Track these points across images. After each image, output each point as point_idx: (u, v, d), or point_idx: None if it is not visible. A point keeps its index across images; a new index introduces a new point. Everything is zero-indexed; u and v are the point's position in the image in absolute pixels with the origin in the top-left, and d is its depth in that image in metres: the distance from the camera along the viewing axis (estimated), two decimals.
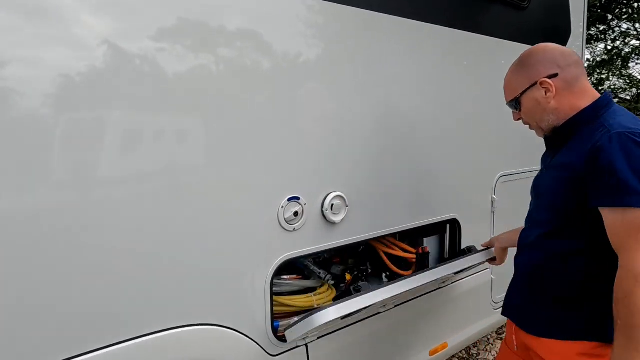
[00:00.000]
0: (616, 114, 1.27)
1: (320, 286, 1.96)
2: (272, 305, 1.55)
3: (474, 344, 3.12)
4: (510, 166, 2.54)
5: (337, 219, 1.67)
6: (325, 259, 2.43)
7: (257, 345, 1.51)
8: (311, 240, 1.63)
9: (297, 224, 1.58)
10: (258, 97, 1.45)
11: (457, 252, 2.28)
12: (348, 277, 2.15)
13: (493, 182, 2.44)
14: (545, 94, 1.33)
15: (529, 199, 2.73)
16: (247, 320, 1.48)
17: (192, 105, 1.32)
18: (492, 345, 3.14)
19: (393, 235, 2.33)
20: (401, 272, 2.18)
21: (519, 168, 2.60)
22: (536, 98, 1.35)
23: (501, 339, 3.22)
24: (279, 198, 1.52)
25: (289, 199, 1.54)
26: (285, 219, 1.54)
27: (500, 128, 2.47)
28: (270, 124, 1.49)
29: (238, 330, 1.46)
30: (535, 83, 1.34)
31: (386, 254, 2.19)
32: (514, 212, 2.61)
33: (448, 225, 2.33)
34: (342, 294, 2.02)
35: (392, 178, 1.90)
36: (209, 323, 1.40)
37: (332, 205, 1.65)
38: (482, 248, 2.02)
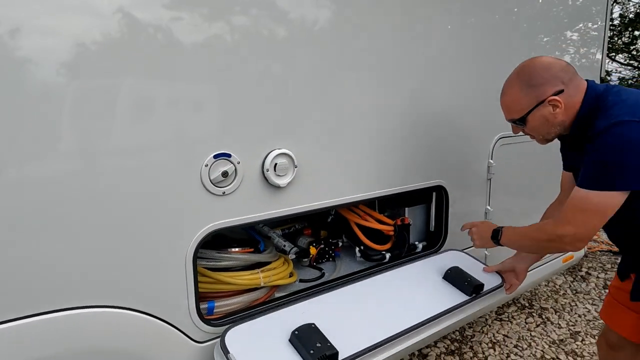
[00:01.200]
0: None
1: (276, 260, 1.69)
2: (196, 284, 1.29)
3: (469, 325, 2.85)
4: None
5: (281, 181, 1.38)
6: (297, 230, 2.16)
7: (177, 331, 1.27)
8: (248, 207, 1.35)
9: (227, 187, 1.29)
10: (170, 27, 1.15)
11: (444, 228, 1.98)
12: (313, 250, 1.89)
13: (490, 144, 2.10)
14: (553, 109, 1.32)
15: (533, 165, 2.39)
16: (162, 302, 1.23)
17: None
18: (490, 326, 2.85)
19: (372, 204, 2.05)
20: (376, 247, 1.90)
21: None
22: (544, 115, 1.34)
23: (500, 320, 2.94)
24: (201, 154, 1.24)
25: (216, 156, 1.26)
26: (211, 180, 1.26)
27: (501, 82, 2.11)
28: (187, 63, 1.19)
29: (150, 313, 1.21)
30: (543, 101, 1.32)
31: (359, 226, 1.91)
32: (515, 180, 2.28)
33: (434, 194, 2.02)
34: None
35: (358, 134, 1.58)
36: (112, 305, 1.15)
37: (276, 165, 1.36)
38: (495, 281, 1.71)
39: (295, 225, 2.18)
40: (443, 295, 1.57)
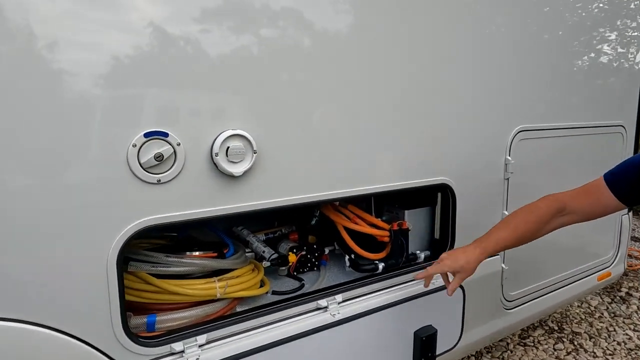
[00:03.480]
0: None
1: (242, 267, 1.43)
2: (122, 293, 1.04)
3: (487, 349, 2.49)
4: (534, 119, 1.87)
5: (236, 170, 1.12)
6: (282, 235, 1.91)
7: (96, 352, 1.02)
8: (193, 199, 1.10)
9: (163, 174, 1.05)
10: None
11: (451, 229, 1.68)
12: (292, 258, 1.62)
13: (508, 138, 1.79)
14: None
15: (559, 163, 2.05)
16: (75, 315, 0.98)
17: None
18: (512, 352, 2.49)
19: (365, 204, 1.77)
20: (367, 255, 1.61)
21: (546, 122, 1.92)
22: None
23: (524, 345, 2.56)
24: (127, 132, 1.00)
25: (147, 135, 1.02)
26: (141, 164, 1.01)
27: (522, 67, 1.80)
28: (113, 20, 0.96)
29: (59, 329, 0.97)
30: None
31: (348, 230, 1.63)
32: (536, 180, 1.95)
33: (439, 195, 1.72)
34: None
35: (340, 116, 1.32)
36: (4, 317, 0.92)
37: (228, 148, 1.11)
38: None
39: (281, 230, 1.92)
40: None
